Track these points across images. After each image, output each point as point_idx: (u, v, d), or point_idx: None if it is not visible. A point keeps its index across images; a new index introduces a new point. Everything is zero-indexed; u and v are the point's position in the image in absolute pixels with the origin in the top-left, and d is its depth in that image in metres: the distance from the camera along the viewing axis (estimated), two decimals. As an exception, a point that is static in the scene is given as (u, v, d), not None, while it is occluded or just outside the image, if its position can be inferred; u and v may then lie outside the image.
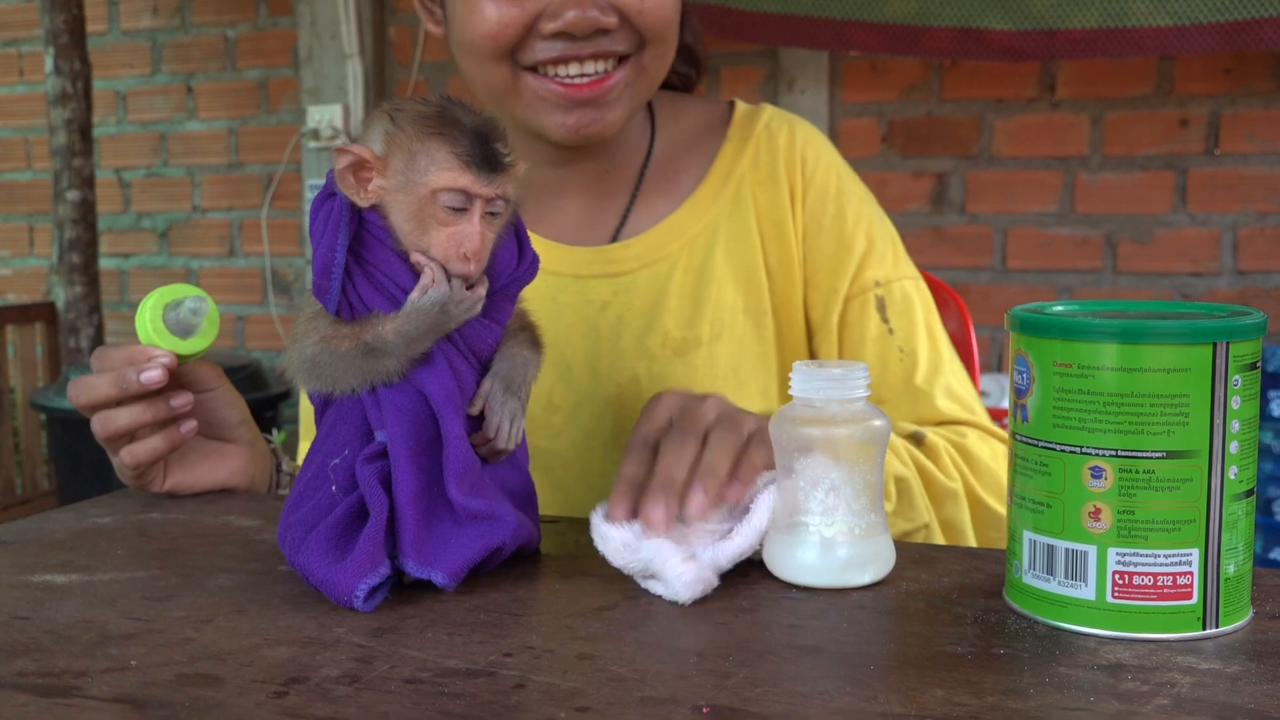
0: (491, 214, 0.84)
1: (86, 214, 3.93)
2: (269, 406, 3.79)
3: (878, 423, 0.83)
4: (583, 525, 1.01)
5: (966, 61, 3.44)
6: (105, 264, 4.36)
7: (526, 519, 0.86)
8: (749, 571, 0.86)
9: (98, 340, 3.99)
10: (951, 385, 1.24)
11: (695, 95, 1.34)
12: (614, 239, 1.25)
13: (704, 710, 0.62)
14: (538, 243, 1.22)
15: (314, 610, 0.78)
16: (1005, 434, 1.12)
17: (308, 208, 4.08)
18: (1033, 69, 3.43)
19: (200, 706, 0.63)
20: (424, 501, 0.81)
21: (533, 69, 1.13)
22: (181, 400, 1.04)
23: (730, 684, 0.65)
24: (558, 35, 1.10)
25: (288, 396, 3.89)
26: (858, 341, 1.23)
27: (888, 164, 3.58)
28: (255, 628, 0.75)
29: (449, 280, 0.83)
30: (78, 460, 3.65)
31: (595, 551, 0.91)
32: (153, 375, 1.01)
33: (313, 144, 4.02)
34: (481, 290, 0.85)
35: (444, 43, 1.22)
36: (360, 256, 0.84)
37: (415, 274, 0.83)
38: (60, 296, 3.97)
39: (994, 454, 1.19)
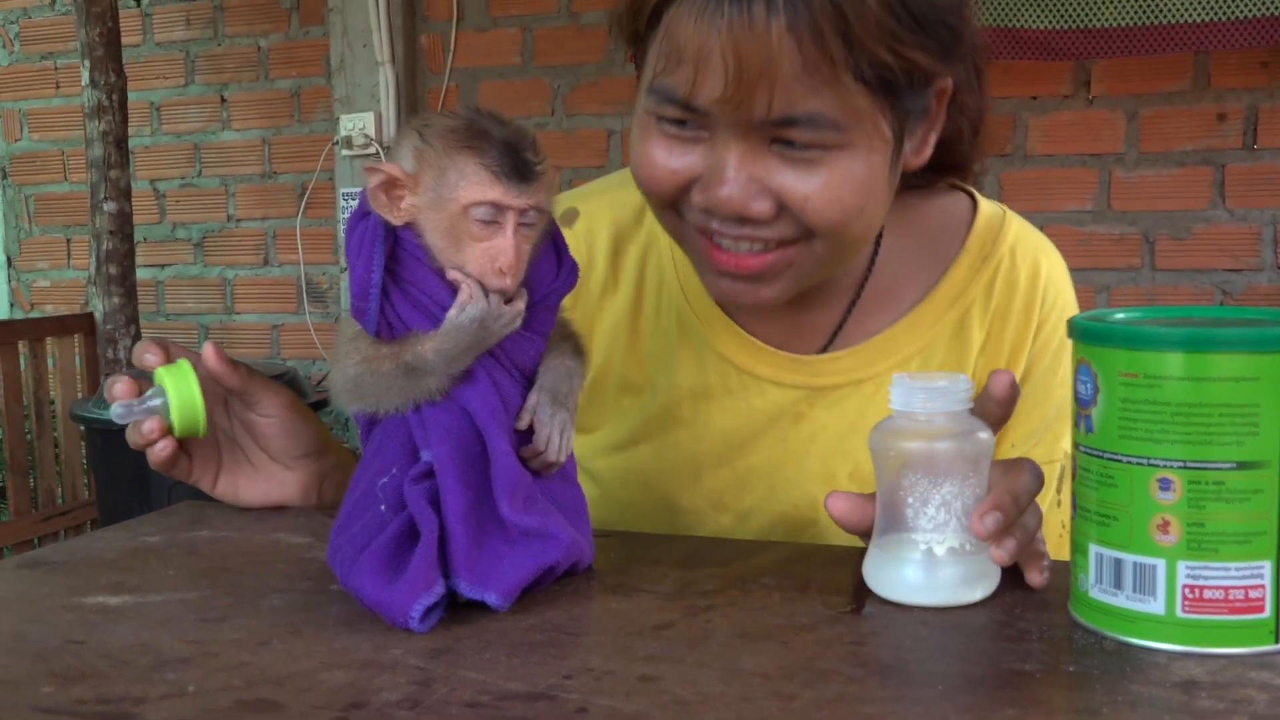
0: (525, 225, 0.83)
1: (123, 225, 3.93)
2: (305, 415, 3.79)
3: (983, 435, 0.81)
4: (635, 539, 1.01)
5: (1000, 59, 3.41)
6: (141, 274, 4.38)
7: (579, 536, 0.85)
8: (805, 586, 0.85)
9: (135, 351, 4.00)
10: None
11: (933, 190, 1.18)
12: (823, 350, 1.15)
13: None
14: (744, 341, 1.15)
15: (369, 631, 0.77)
16: None
17: (342, 216, 4.10)
18: (1067, 66, 3.40)
19: (261, 734, 0.63)
20: (474, 520, 0.80)
21: None
22: (150, 426, 1.02)
23: (797, 706, 0.64)
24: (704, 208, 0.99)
25: (324, 406, 3.89)
26: None
27: (922, 163, 3.55)
28: (311, 650, 0.74)
29: (486, 295, 0.82)
30: (117, 471, 3.66)
31: (648, 567, 0.90)
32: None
33: (345, 152, 4.02)
34: (520, 304, 0.84)
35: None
36: (397, 275, 0.83)
37: (453, 291, 0.82)
38: (98, 308, 3.98)
39: None
